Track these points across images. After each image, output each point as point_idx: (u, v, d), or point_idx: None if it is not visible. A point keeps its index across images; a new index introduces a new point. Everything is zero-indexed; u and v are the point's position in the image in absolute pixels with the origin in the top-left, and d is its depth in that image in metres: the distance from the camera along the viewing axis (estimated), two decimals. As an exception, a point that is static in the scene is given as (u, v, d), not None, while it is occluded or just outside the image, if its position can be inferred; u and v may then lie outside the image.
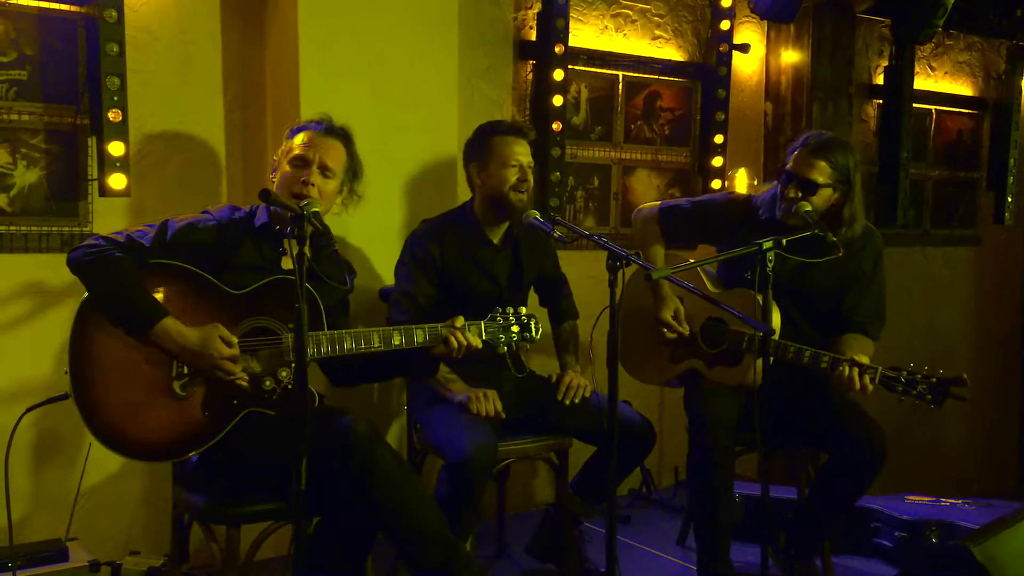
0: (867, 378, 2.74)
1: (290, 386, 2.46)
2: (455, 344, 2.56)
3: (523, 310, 2.74)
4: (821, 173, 2.92)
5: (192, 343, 2.36)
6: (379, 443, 2.46)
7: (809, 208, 2.89)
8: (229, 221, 2.58)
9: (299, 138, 2.65)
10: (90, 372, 2.36)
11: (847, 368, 2.77)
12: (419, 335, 2.57)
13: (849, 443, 2.91)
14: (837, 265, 2.98)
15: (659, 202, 3.40)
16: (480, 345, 2.63)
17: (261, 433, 2.45)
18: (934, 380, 2.68)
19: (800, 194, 2.92)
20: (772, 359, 2.82)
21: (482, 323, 2.67)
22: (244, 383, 2.42)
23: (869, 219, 3.17)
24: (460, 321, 2.60)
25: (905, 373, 2.72)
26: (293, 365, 2.44)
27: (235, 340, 2.41)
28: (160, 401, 2.39)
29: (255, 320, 2.50)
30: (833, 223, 2.96)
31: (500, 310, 2.71)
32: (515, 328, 2.70)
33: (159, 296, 2.41)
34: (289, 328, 2.49)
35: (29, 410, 2.57)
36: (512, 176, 3.03)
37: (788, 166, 2.97)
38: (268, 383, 2.47)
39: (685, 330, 3.17)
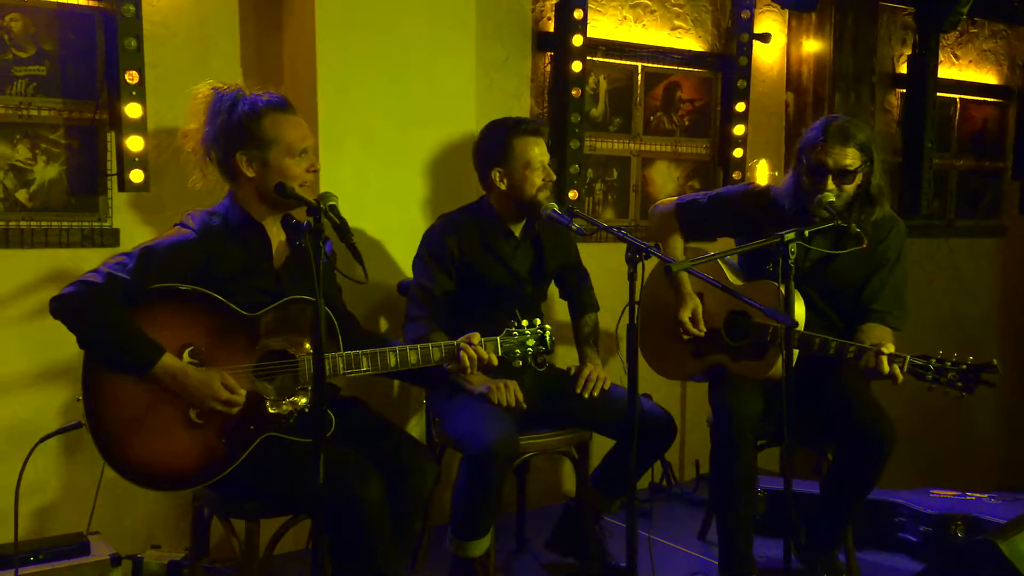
0: (896, 367, 2.70)
1: (307, 410, 2.44)
2: (468, 361, 2.57)
3: (538, 321, 2.72)
4: (854, 159, 2.90)
5: (191, 383, 2.33)
6: (383, 514, 2.39)
7: (833, 199, 2.85)
8: (209, 228, 2.49)
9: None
10: (103, 401, 2.32)
11: (873, 358, 2.73)
12: (435, 353, 2.57)
13: (854, 435, 2.89)
14: (862, 252, 2.94)
15: (675, 197, 3.37)
16: (496, 362, 2.63)
17: (278, 456, 2.43)
18: (964, 367, 2.62)
19: (834, 185, 2.89)
20: (798, 351, 2.79)
21: (498, 339, 2.66)
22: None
23: (893, 208, 3.14)
24: (476, 338, 2.60)
25: (934, 361, 2.66)
26: (310, 388, 2.43)
27: (241, 391, 2.37)
28: (177, 429, 2.36)
29: (270, 342, 2.46)
30: (864, 203, 2.94)
31: (515, 323, 2.69)
32: (530, 342, 2.69)
33: (169, 325, 2.36)
34: (305, 350, 2.47)
35: (42, 440, 2.61)
36: (538, 179, 3.00)
37: (820, 158, 2.90)
38: (285, 407, 2.44)
39: (701, 332, 3.14)
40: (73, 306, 2.31)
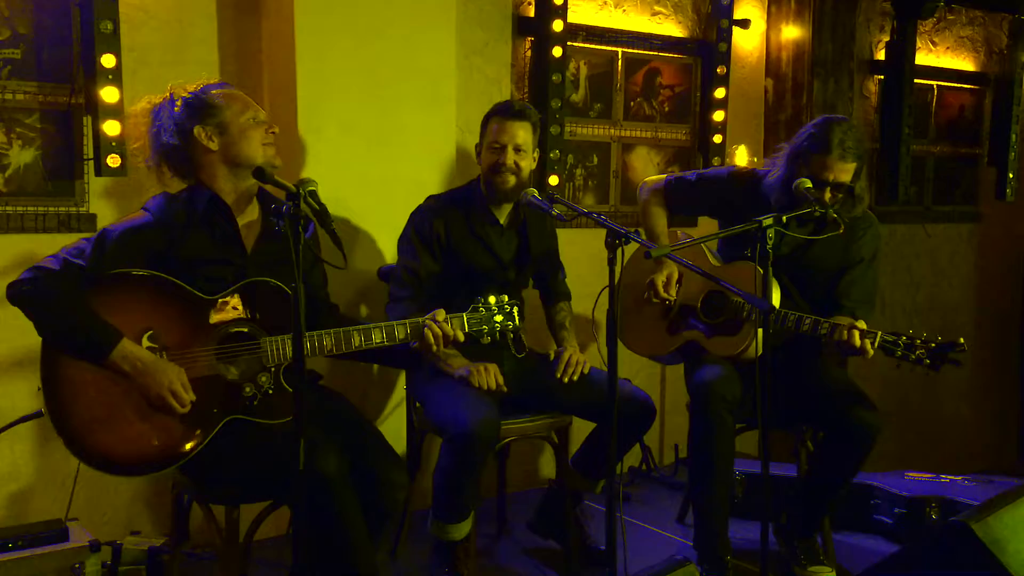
0: (867, 342, 2.75)
1: (271, 392, 2.43)
2: (432, 338, 2.54)
3: (505, 298, 2.69)
4: (853, 173, 2.92)
5: (148, 372, 2.31)
6: (344, 487, 2.37)
7: (809, 184, 2.87)
8: (167, 211, 2.45)
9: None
10: (63, 388, 2.30)
11: (846, 332, 2.77)
12: (400, 331, 2.54)
13: (842, 421, 2.92)
14: (839, 245, 2.99)
15: (665, 175, 3.40)
16: (462, 338, 2.61)
17: (245, 438, 2.41)
18: (932, 345, 2.69)
19: (838, 195, 2.91)
20: (771, 332, 2.81)
21: (464, 315, 2.63)
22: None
23: (871, 195, 3.18)
24: (441, 315, 2.57)
25: (904, 338, 2.74)
26: (273, 370, 2.43)
27: (189, 395, 2.34)
28: (140, 414, 2.33)
29: (232, 325, 2.43)
30: (846, 201, 2.96)
31: (482, 300, 2.67)
32: (498, 318, 2.65)
33: (127, 309, 2.34)
34: (266, 332, 2.43)
35: (1, 431, 2.65)
36: (490, 158, 3.04)
37: (823, 172, 2.88)
38: (248, 389, 2.42)
39: (670, 296, 3.17)
40: (27, 292, 2.31)
